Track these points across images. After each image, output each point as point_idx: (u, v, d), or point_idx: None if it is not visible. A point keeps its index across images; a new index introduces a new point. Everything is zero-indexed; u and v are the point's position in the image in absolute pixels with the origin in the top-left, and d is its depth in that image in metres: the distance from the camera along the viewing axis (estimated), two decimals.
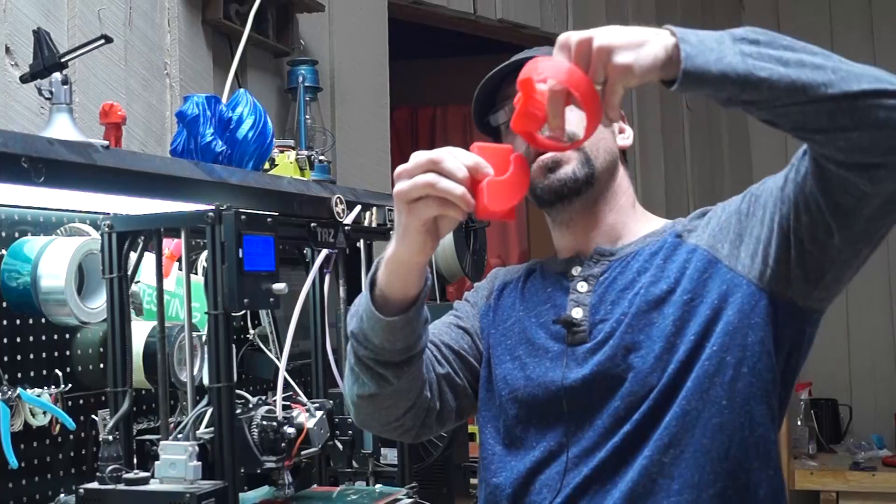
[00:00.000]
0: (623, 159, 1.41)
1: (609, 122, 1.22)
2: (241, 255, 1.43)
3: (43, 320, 1.60)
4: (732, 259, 1.24)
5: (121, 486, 1.43)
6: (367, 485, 1.92)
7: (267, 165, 1.92)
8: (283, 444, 1.60)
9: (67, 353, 1.67)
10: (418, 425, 1.33)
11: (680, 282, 1.25)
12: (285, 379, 1.68)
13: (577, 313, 1.30)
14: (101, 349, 1.70)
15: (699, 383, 1.20)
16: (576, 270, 1.34)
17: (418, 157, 1.12)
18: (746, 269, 1.23)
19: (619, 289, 1.29)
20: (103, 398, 1.65)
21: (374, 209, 2.00)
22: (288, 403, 1.66)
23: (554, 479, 1.25)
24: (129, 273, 1.53)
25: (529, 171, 1.18)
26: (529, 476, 1.28)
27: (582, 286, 1.32)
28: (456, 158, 1.10)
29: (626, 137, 1.41)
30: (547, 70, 1.06)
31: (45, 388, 1.59)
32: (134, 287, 1.64)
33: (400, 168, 1.13)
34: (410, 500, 1.83)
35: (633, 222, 1.37)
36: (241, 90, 1.85)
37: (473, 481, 2.28)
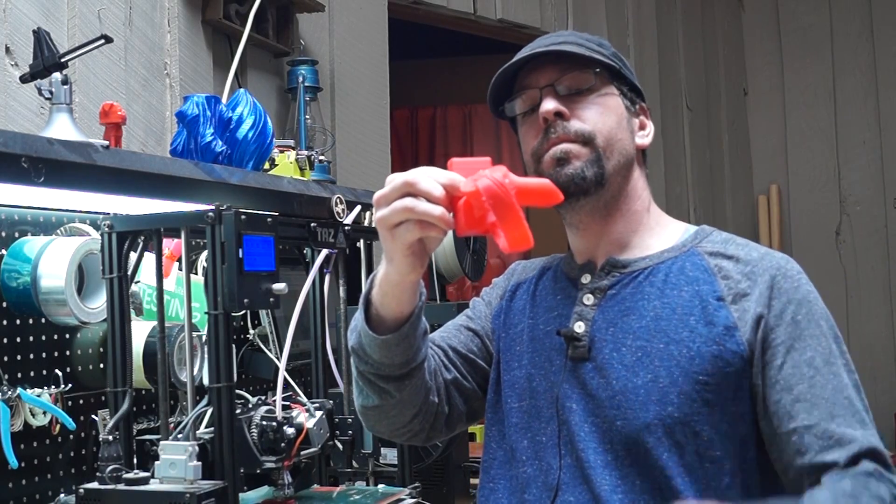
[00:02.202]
0: (641, 159, 1.35)
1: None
2: (241, 255, 1.43)
3: (43, 320, 1.60)
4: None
5: (121, 486, 1.42)
6: (368, 485, 1.92)
7: (267, 165, 1.92)
8: (282, 444, 1.60)
9: (67, 353, 1.67)
10: (427, 429, 1.32)
11: (708, 369, 1.19)
12: (285, 379, 1.68)
13: (579, 327, 1.26)
14: (101, 349, 1.70)
15: (699, 477, 1.18)
16: (585, 279, 1.30)
17: (394, 181, 1.09)
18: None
19: (625, 311, 1.25)
20: (103, 398, 1.65)
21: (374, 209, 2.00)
22: (288, 403, 1.66)
23: (542, 502, 1.24)
24: (129, 273, 1.53)
25: (510, 189, 1.13)
26: (520, 494, 1.27)
27: (588, 298, 1.28)
28: (431, 178, 1.08)
29: (647, 135, 1.34)
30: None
31: (45, 388, 1.59)
32: (134, 287, 1.64)
33: (378, 194, 1.11)
34: (413, 500, 1.83)
35: (646, 230, 1.31)
36: (241, 90, 1.85)
37: (473, 481, 2.28)
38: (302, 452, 1.65)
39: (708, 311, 1.21)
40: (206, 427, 1.51)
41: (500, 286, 1.43)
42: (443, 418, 1.32)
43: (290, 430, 1.60)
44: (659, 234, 1.32)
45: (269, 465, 1.60)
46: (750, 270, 1.23)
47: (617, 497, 1.18)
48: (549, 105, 1.26)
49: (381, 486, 1.84)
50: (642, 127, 1.34)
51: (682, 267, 1.26)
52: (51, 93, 1.56)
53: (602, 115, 1.28)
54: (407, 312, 1.19)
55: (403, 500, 1.81)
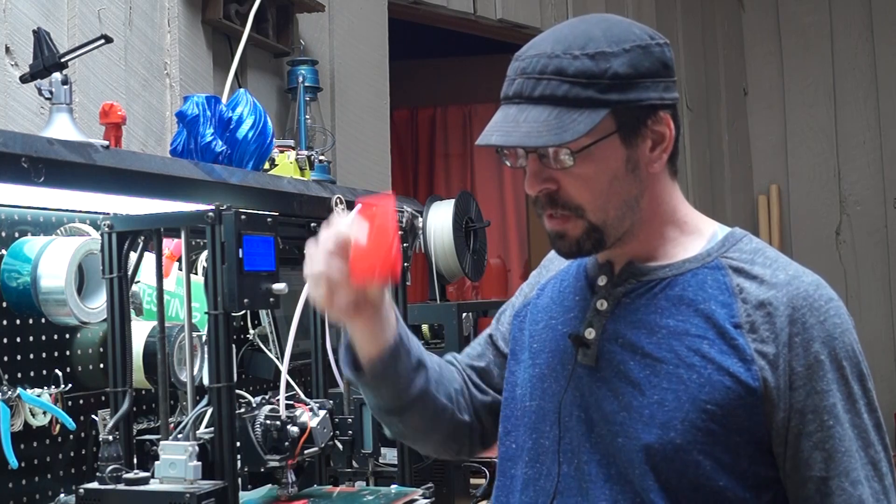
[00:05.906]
0: (670, 173, 1.24)
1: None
2: (241, 255, 1.43)
3: (43, 320, 1.60)
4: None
5: (121, 486, 1.43)
6: (367, 485, 1.92)
7: (267, 165, 1.92)
8: (286, 443, 1.61)
9: (67, 353, 1.67)
10: (468, 445, 1.34)
11: (717, 399, 1.14)
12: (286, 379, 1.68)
13: (589, 333, 1.22)
14: (101, 349, 1.70)
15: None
16: (601, 280, 1.25)
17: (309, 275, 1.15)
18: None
19: (635, 323, 1.20)
20: (103, 398, 1.65)
21: None
22: (291, 403, 1.67)
23: None
24: (129, 273, 1.53)
25: (389, 227, 1.12)
26: (520, 494, 1.26)
27: (602, 304, 1.23)
28: (318, 252, 1.12)
29: (665, 148, 1.19)
30: None
31: (45, 388, 1.59)
32: (134, 287, 1.64)
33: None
34: (427, 500, 1.82)
35: (668, 242, 1.24)
36: (241, 90, 1.85)
37: (473, 481, 2.28)
38: (305, 451, 1.65)
39: (723, 337, 1.16)
40: (206, 427, 1.51)
41: (535, 276, 1.40)
42: (477, 433, 1.33)
43: (293, 429, 1.62)
44: (683, 243, 1.25)
45: (273, 463, 1.62)
46: (772, 296, 1.16)
47: None
48: (532, 187, 1.19)
49: (394, 487, 1.84)
50: (658, 141, 1.19)
51: (701, 282, 1.20)
52: (51, 93, 1.56)
53: (589, 181, 1.17)
54: (386, 348, 1.20)
55: (417, 500, 1.80)
